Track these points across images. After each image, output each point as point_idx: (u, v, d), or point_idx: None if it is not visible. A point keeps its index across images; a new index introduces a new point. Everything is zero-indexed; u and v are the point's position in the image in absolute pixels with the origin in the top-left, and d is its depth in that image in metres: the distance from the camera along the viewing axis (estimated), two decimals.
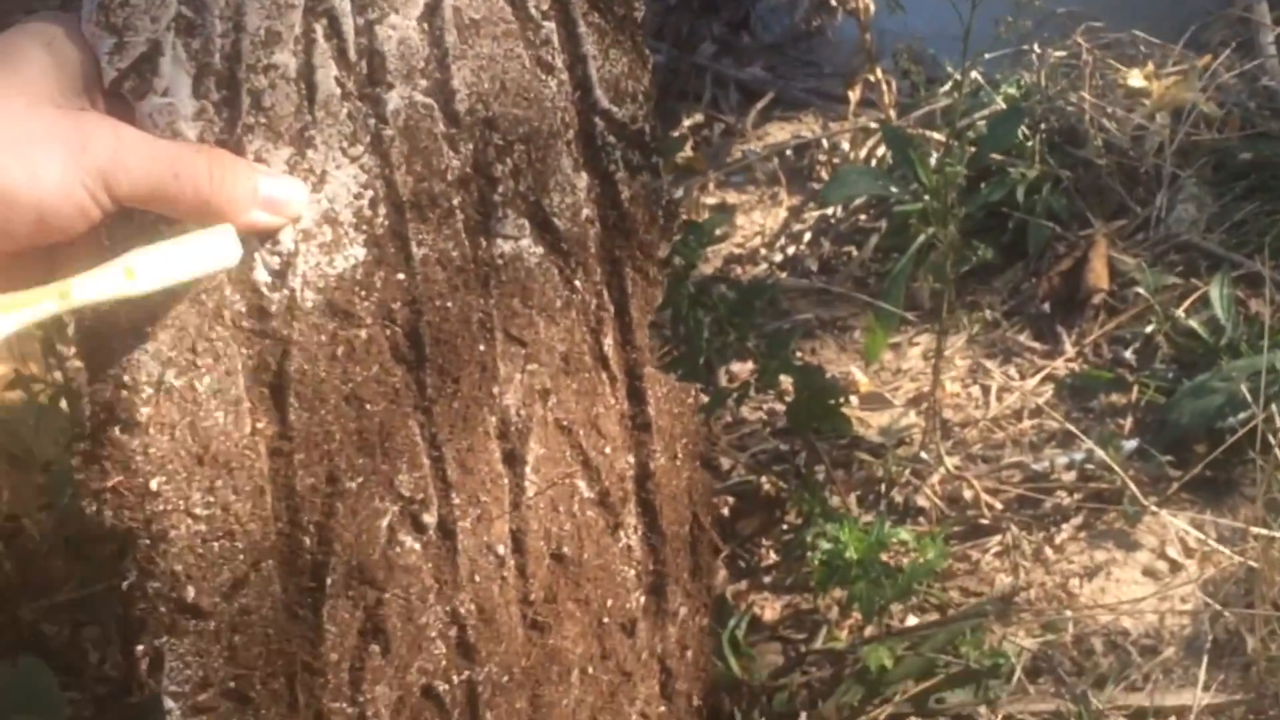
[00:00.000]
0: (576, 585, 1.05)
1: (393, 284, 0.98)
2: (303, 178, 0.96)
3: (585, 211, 1.04)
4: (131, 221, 0.92)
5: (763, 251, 2.50)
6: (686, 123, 2.89)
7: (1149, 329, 2.03)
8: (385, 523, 0.98)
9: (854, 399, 2.06)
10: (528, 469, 1.02)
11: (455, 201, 0.99)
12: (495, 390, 1.01)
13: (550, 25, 1.03)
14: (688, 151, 2.76)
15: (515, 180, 1.01)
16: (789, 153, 2.71)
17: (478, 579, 1.01)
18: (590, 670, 1.07)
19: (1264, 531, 1.58)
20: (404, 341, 0.98)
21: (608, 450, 1.06)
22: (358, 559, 0.97)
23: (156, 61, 0.93)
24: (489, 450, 1.01)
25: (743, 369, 2.05)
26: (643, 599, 1.09)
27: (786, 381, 1.81)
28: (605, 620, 1.07)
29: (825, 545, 1.62)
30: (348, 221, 0.97)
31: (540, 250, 1.02)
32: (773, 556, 1.83)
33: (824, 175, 2.62)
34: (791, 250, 2.48)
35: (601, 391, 1.06)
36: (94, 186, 0.89)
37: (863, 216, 2.46)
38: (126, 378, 0.92)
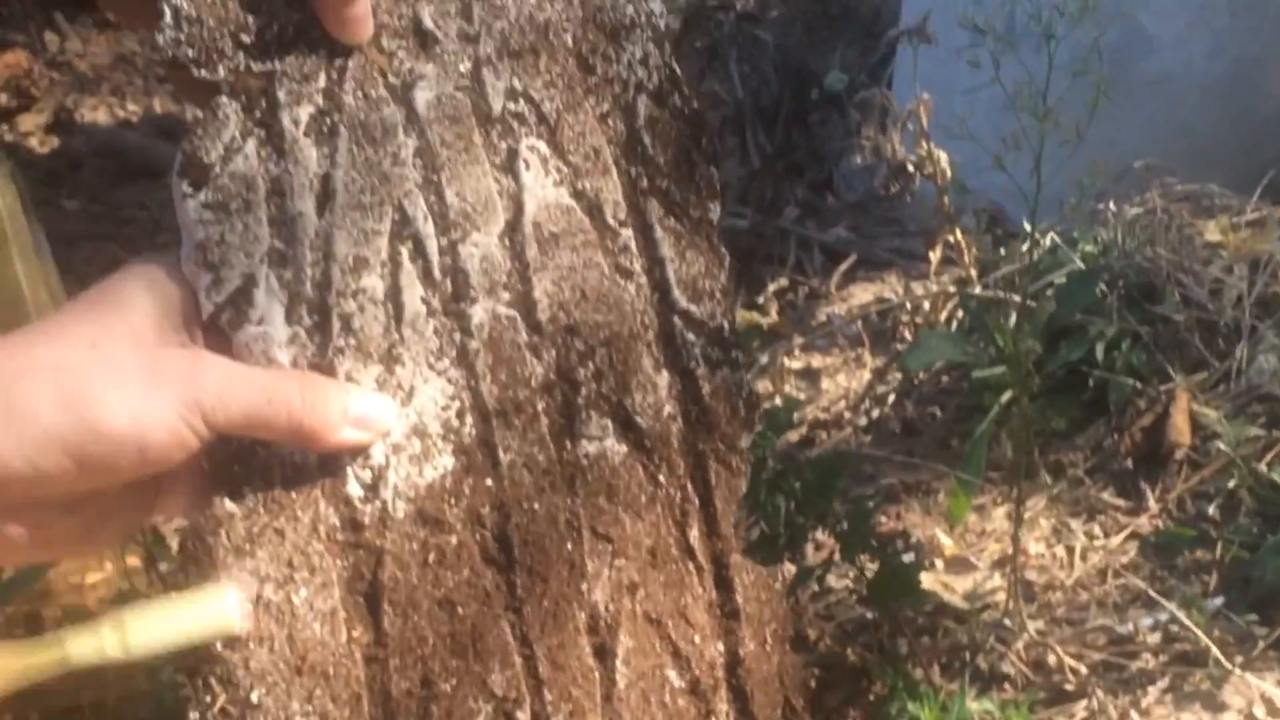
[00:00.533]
0: None
1: (481, 490, 1.01)
2: (391, 394, 1.00)
3: (667, 409, 1.07)
4: (230, 446, 0.97)
5: (847, 415, 2.52)
6: (771, 287, 2.92)
7: (1232, 483, 2.02)
8: None
9: (939, 562, 2.07)
10: (618, 662, 1.05)
11: (540, 407, 1.03)
12: (584, 587, 1.04)
13: (628, 233, 1.07)
14: (773, 316, 2.80)
15: (598, 383, 1.05)
16: (872, 315, 2.73)
17: None
18: None
19: None
20: (493, 545, 1.02)
21: (697, 639, 1.08)
22: None
23: (251, 293, 0.98)
24: (579, 646, 1.04)
25: (828, 537, 2.06)
26: None
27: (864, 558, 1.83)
28: None
29: None
30: (436, 433, 1.01)
31: (624, 449, 1.06)
32: None
33: (907, 336, 2.65)
34: (876, 413, 2.50)
35: (689, 582, 1.08)
36: (192, 419, 0.94)
37: (945, 378, 2.48)
38: None
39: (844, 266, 2.93)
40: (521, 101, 1.05)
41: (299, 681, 0.97)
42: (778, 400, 2.54)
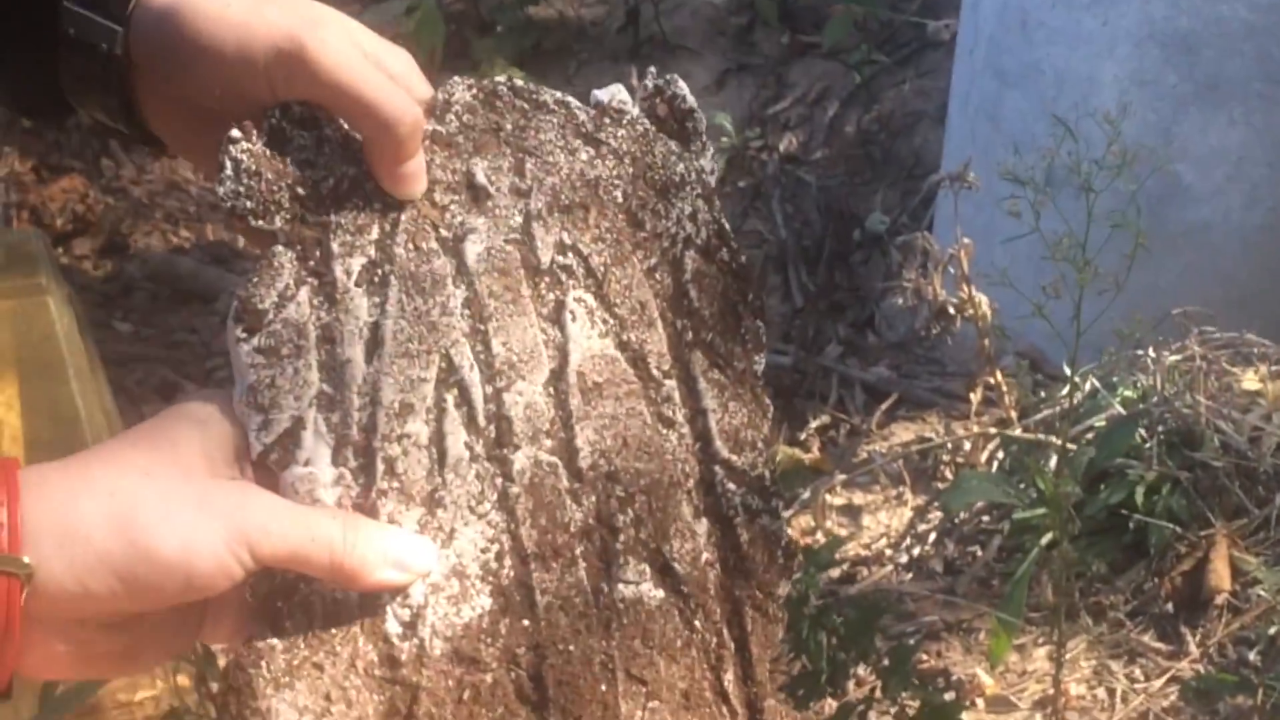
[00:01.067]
0: None
1: (517, 630, 1.03)
2: (432, 536, 1.02)
3: (705, 555, 1.08)
4: (274, 580, 0.99)
5: (888, 553, 2.54)
6: (813, 424, 2.95)
7: (1272, 630, 2.04)
8: None
9: (980, 701, 2.08)
10: None
11: (578, 551, 1.05)
12: None
13: (671, 383, 1.09)
14: (815, 452, 2.82)
15: (636, 529, 1.06)
16: (913, 453, 2.76)
17: None
18: None
19: None
20: (528, 684, 1.03)
21: None
22: None
23: (299, 435, 1.01)
24: None
25: (869, 674, 2.07)
26: None
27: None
28: None
29: None
30: (474, 574, 1.03)
31: (661, 593, 1.07)
32: None
33: (948, 475, 2.67)
34: (916, 551, 2.51)
35: None
36: (239, 550, 0.96)
37: (986, 517, 2.50)
38: None
39: (885, 405, 2.96)
40: (570, 255, 1.08)
41: None
42: (819, 536, 2.56)
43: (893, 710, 2.05)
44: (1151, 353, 2.41)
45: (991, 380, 2.53)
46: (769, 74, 4.07)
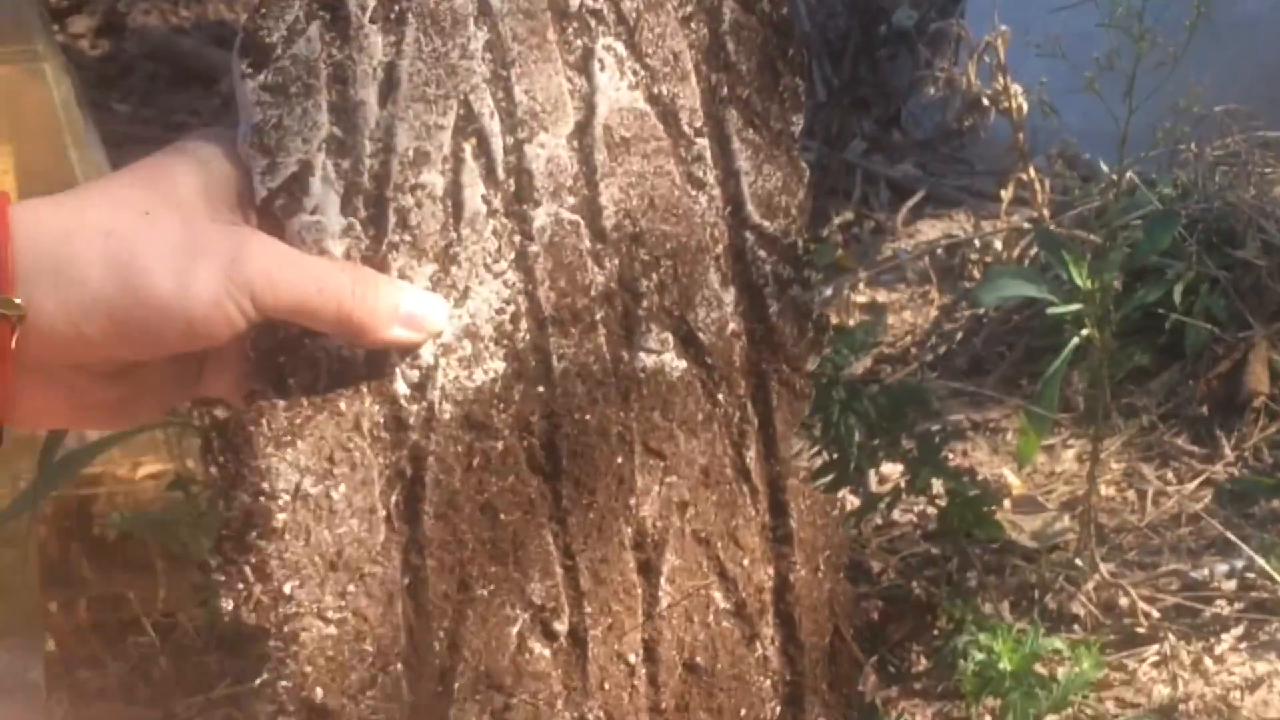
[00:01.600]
0: (709, 695, 1.05)
1: (531, 397, 0.99)
2: (445, 294, 0.97)
3: (731, 326, 1.04)
4: (277, 334, 0.95)
5: (913, 351, 2.49)
6: (836, 220, 2.90)
7: None
8: (515, 630, 0.99)
9: (1006, 503, 2.04)
10: (662, 580, 1.03)
11: (598, 316, 1.00)
12: (632, 502, 1.02)
13: (703, 142, 1.04)
14: (838, 250, 2.77)
15: (660, 295, 1.02)
16: (940, 251, 2.70)
17: (607, 686, 1.01)
18: None
19: None
20: (540, 453, 0.99)
21: (746, 562, 1.06)
22: (486, 664, 0.98)
23: (307, 181, 0.95)
24: (623, 561, 1.02)
25: (893, 470, 2.03)
26: (778, 709, 1.08)
27: (938, 485, 1.80)
28: None
29: (977, 655, 1.60)
30: (488, 336, 0.98)
31: (683, 364, 1.03)
32: (923, 663, 1.81)
33: (976, 274, 2.61)
34: (943, 350, 2.46)
35: (742, 504, 1.05)
36: (240, 298, 0.91)
37: (1015, 316, 2.45)
38: (265, 485, 0.94)
39: (911, 202, 2.90)
40: None
41: (333, 577, 0.95)
42: None
43: (916, 509, 2.02)
44: (1193, 148, 2.34)
45: (1024, 176, 2.46)
46: None
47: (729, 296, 1.04)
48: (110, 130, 3.05)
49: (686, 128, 1.03)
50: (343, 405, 0.96)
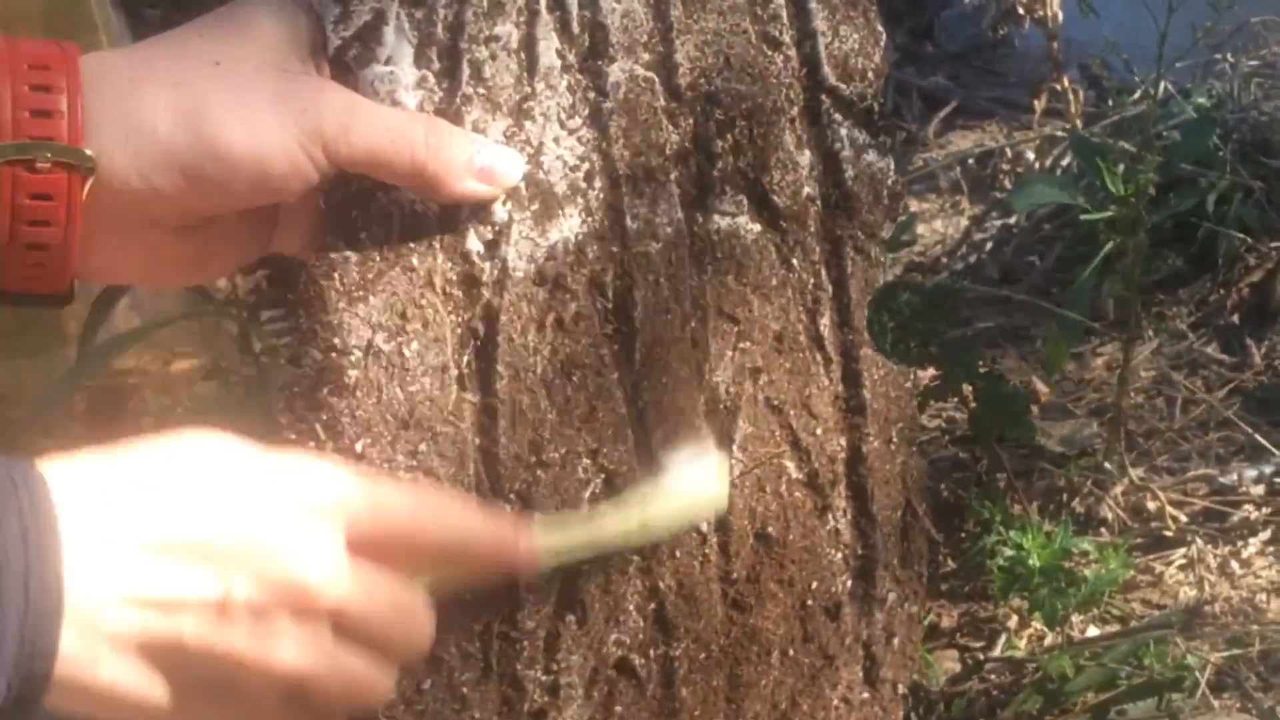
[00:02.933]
0: (780, 566, 1.04)
1: (605, 256, 0.97)
2: (519, 149, 0.96)
3: (806, 189, 1.03)
4: (349, 187, 0.94)
5: (944, 260, 2.48)
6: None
7: None
8: (587, 494, 0.98)
9: (1035, 408, 2.04)
10: (734, 447, 1.01)
11: (672, 176, 0.99)
12: (705, 367, 1.00)
13: (779, 1, 1.02)
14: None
15: (735, 156, 1.00)
16: (972, 161, 2.69)
17: (679, 555, 1.00)
18: (791, 652, 1.05)
19: None
20: (614, 315, 0.98)
21: (819, 431, 1.04)
22: None
23: (380, 31, 0.94)
24: (696, 427, 1.00)
25: (924, 376, 2.03)
26: (849, 583, 1.08)
27: (967, 389, 1.80)
28: (809, 603, 1.06)
29: (1007, 552, 1.60)
30: (562, 193, 0.97)
31: (757, 227, 1.01)
32: (950, 564, 1.81)
33: (1007, 184, 2.60)
34: (974, 259, 2.46)
35: (815, 372, 1.04)
36: (312, 149, 0.90)
37: (1046, 226, 2.44)
38: (337, 341, 0.93)
39: (943, 113, 2.88)
40: None
41: (404, 435, 0.93)
42: None
43: (944, 414, 2.02)
44: (1229, 58, 2.32)
45: (1058, 86, 2.44)
46: None
47: (804, 159, 1.03)
48: (142, 37, 3.02)
49: None
50: (415, 261, 0.94)
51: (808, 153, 1.03)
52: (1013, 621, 1.69)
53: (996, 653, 1.66)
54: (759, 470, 1.03)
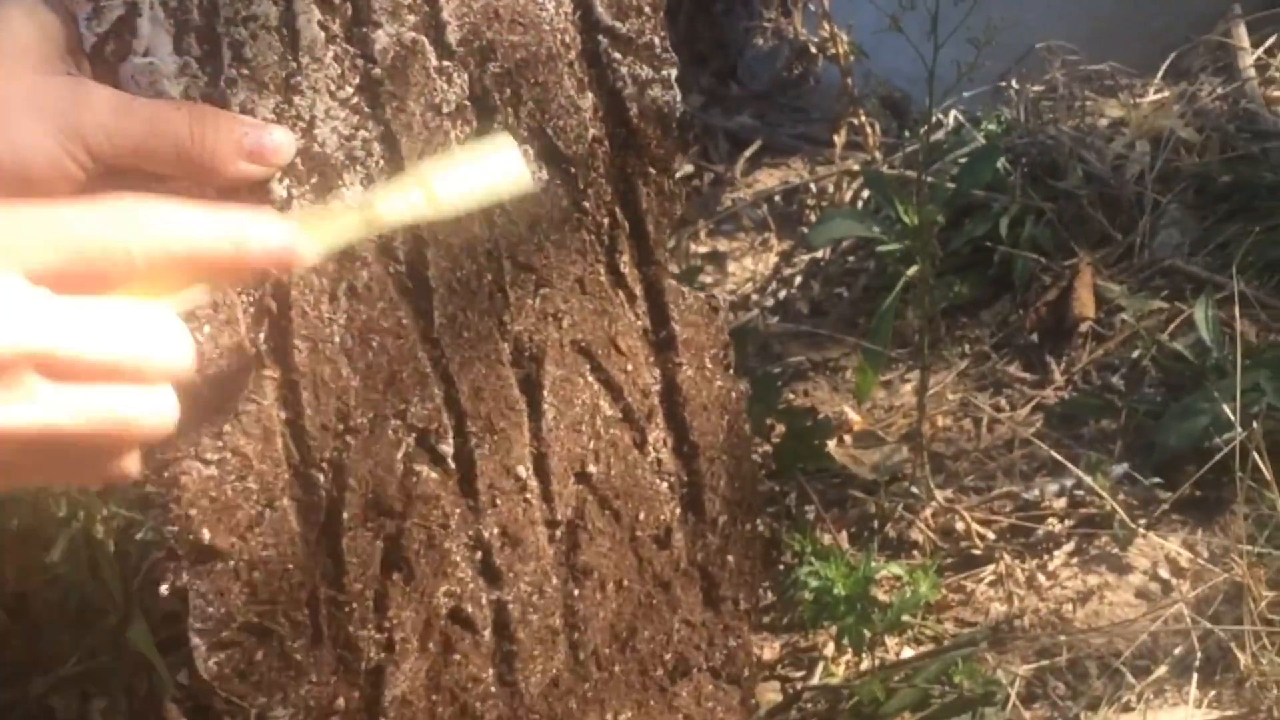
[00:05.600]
0: (604, 502, 1.04)
1: None
2: (291, 125, 0.94)
3: (592, 131, 1.02)
4: (124, 180, 0.90)
5: (754, 297, 2.49)
6: (676, 174, 2.91)
7: (1136, 354, 2.02)
8: (400, 454, 0.97)
9: (848, 438, 2.05)
10: (545, 392, 1.01)
11: (452, 134, 0.97)
12: (505, 318, 1.00)
13: None
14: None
15: (515, 107, 0.99)
16: (778, 198, 2.72)
17: (499, 503, 1.00)
18: (626, 583, 1.05)
19: (1250, 548, 1.58)
20: (407, 277, 0.97)
21: (629, 367, 1.04)
22: (374, 492, 0.96)
23: (135, 23, 0.92)
24: (503, 377, 1.00)
25: None
26: (678, 510, 1.07)
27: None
28: (638, 534, 1.05)
29: (814, 583, 1.61)
30: (340, 163, 0.95)
31: (545, 175, 1.00)
32: (770, 597, 1.81)
33: (812, 219, 2.63)
34: (783, 294, 2.48)
35: (620, 310, 1.04)
36: (74, 149, 0.88)
37: (851, 258, 2.47)
38: None
39: (749, 152, 2.91)
40: None
41: (206, 419, 0.92)
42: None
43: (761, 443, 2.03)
44: (1015, 84, 2.37)
45: (855, 121, 2.47)
46: None
47: (586, 102, 1.02)
48: None
49: None
50: None
51: (590, 95, 1.02)
52: (829, 649, 1.71)
53: (814, 681, 1.67)
54: (573, 412, 1.02)
